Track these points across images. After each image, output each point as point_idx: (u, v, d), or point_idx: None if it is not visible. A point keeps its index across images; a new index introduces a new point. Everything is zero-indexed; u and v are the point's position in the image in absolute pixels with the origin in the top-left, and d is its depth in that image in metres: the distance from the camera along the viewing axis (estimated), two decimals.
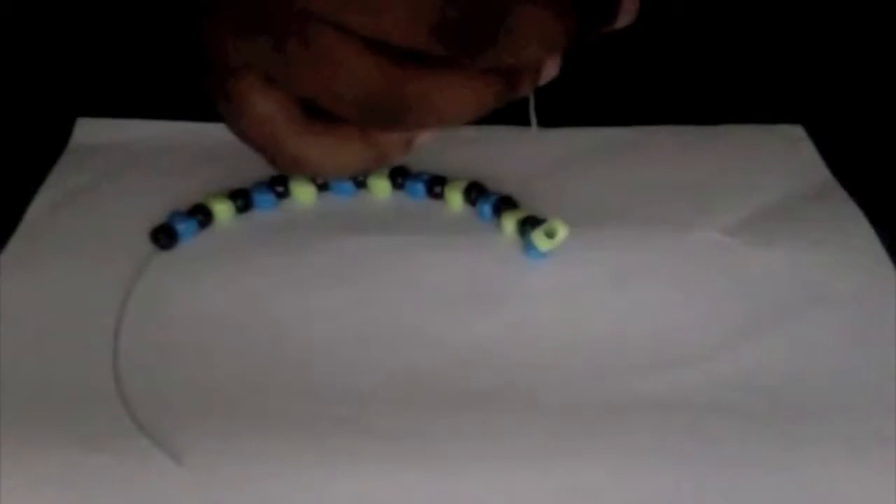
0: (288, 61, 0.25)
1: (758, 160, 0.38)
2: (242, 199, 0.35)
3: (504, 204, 0.35)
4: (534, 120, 0.37)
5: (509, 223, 0.34)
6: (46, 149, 0.38)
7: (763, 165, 0.38)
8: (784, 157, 0.38)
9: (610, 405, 0.28)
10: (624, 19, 0.27)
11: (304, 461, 0.27)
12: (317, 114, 0.26)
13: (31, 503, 0.26)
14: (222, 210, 0.35)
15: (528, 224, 0.34)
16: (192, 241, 0.34)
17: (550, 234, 0.32)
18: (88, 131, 0.38)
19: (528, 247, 0.33)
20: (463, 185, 0.35)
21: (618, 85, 0.40)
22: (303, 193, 0.36)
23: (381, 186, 0.36)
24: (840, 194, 0.36)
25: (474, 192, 0.35)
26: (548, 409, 0.28)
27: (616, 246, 0.34)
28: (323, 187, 0.36)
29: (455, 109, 0.25)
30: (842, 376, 0.29)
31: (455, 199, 0.35)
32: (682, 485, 0.26)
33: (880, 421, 0.28)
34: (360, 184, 0.36)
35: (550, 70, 0.27)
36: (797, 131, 0.39)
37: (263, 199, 0.35)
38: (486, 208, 0.35)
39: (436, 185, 0.36)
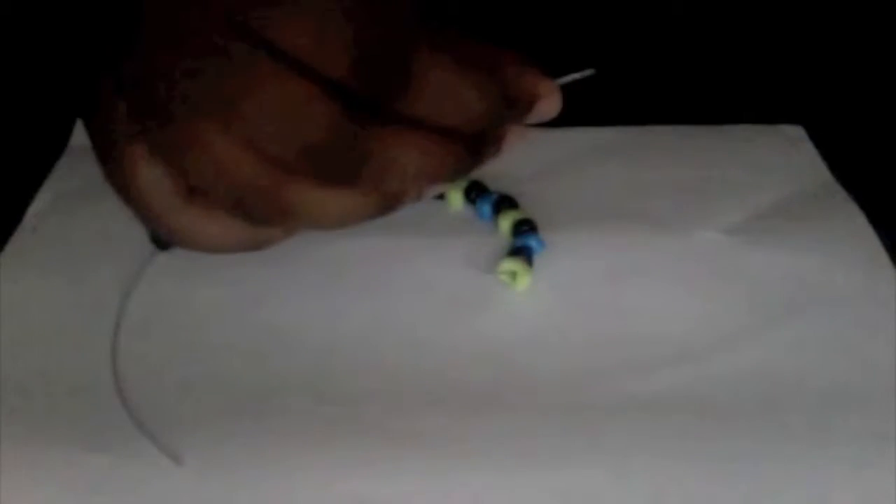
0: (171, 146, 0.24)
1: (758, 160, 0.38)
2: None
3: (503, 203, 0.35)
4: None
5: (505, 223, 0.34)
6: (46, 149, 0.38)
7: (763, 165, 0.38)
8: (784, 157, 0.38)
9: (610, 405, 0.28)
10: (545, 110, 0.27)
11: (304, 461, 0.27)
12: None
13: (31, 502, 0.26)
14: None
15: (523, 226, 0.34)
16: None
17: (513, 277, 0.32)
18: None
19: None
20: (463, 184, 0.35)
21: (618, 85, 0.40)
22: None
23: None
24: (840, 194, 0.36)
25: (474, 192, 0.35)
26: (548, 409, 0.28)
27: (616, 246, 0.34)
28: None
29: (334, 216, 0.25)
30: (842, 376, 0.29)
31: (455, 198, 0.35)
32: (682, 485, 0.26)
33: (880, 421, 0.28)
34: None
35: (546, 109, 0.27)
36: (797, 131, 0.39)
37: None
38: (486, 208, 0.35)
39: None
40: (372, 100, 0.23)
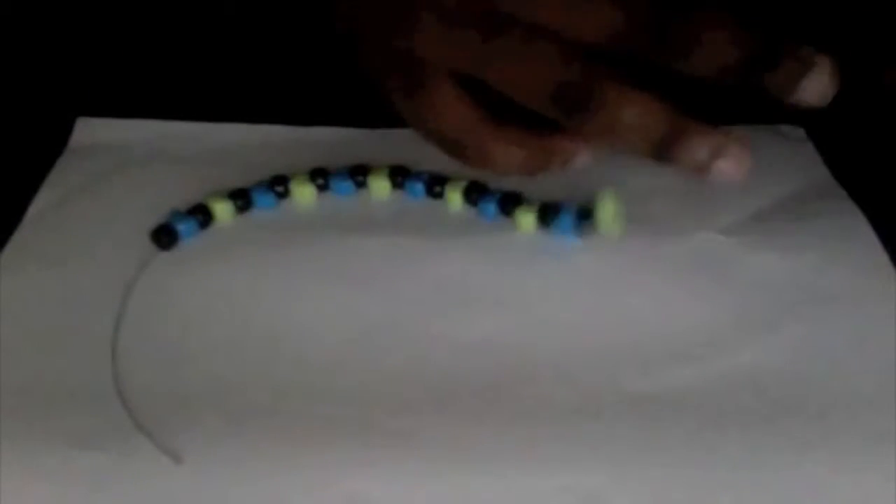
0: (492, 54, 0.29)
1: (758, 160, 0.38)
2: (242, 199, 0.35)
3: (511, 200, 0.35)
4: None
5: (526, 218, 0.34)
6: (46, 149, 0.37)
7: (763, 165, 0.37)
8: (784, 157, 0.38)
9: (609, 405, 0.28)
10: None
11: (303, 461, 0.27)
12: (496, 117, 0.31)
13: (30, 502, 0.26)
14: (222, 210, 0.35)
15: (549, 211, 0.34)
16: (192, 241, 0.34)
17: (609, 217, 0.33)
18: (88, 131, 0.38)
19: (560, 232, 0.34)
20: (463, 184, 0.35)
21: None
22: (303, 193, 0.36)
23: (381, 186, 0.36)
24: (840, 194, 0.36)
25: (475, 192, 0.35)
26: (547, 409, 0.28)
27: (616, 246, 0.34)
28: (323, 187, 0.36)
29: (632, 123, 0.28)
30: (842, 376, 0.29)
31: (455, 198, 0.35)
32: (681, 485, 0.26)
33: (880, 421, 0.28)
34: (360, 184, 0.36)
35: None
36: (797, 132, 0.39)
37: (263, 199, 0.35)
38: (491, 207, 0.35)
39: (436, 185, 0.36)
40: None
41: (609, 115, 0.28)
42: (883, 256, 0.33)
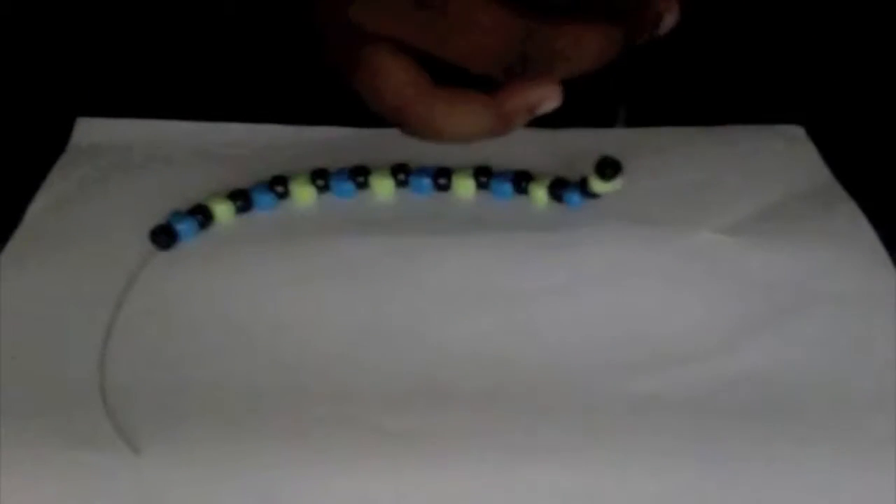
0: (428, 20, 0.28)
1: (758, 160, 0.38)
2: (242, 199, 0.35)
3: (522, 177, 0.35)
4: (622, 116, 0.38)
5: (539, 191, 0.35)
6: (46, 149, 0.37)
7: (763, 165, 0.38)
8: (784, 157, 0.38)
9: (609, 405, 0.28)
10: (668, 22, 0.31)
11: (303, 461, 0.27)
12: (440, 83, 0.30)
13: (30, 501, 0.26)
14: (222, 210, 0.35)
15: (557, 186, 0.35)
16: (192, 241, 0.34)
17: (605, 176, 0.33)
18: (88, 131, 0.38)
19: (571, 198, 0.35)
20: (470, 170, 0.36)
21: (617, 86, 0.40)
22: (303, 193, 0.36)
23: (383, 185, 0.36)
24: (840, 194, 0.36)
25: (484, 175, 0.35)
26: (547, 409, 0.28)
27: (616, 245, 0.34)
28: (323, 188, 0.36)
29: (581, 56, 0.28)
30: (842, 376, 0.29)
31: (465, 185, 0.35)
32: (681, 485, 0.26)
33: (881, 421, 0.28)
34: (361, 184, 0.36)
35: (669, 21, 0.31)
36: (797, 131, 0.39)
37: (263, 199, 0.35)
38: (506, 186, 0.35)
39: (441, 177, 0.36)
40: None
41: (554, 65, 0.29)
42: (883, 256, 0.33)
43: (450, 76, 0.30)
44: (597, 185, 0.33)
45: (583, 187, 0.34)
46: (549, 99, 0.31)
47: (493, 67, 0.29)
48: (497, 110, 0.31)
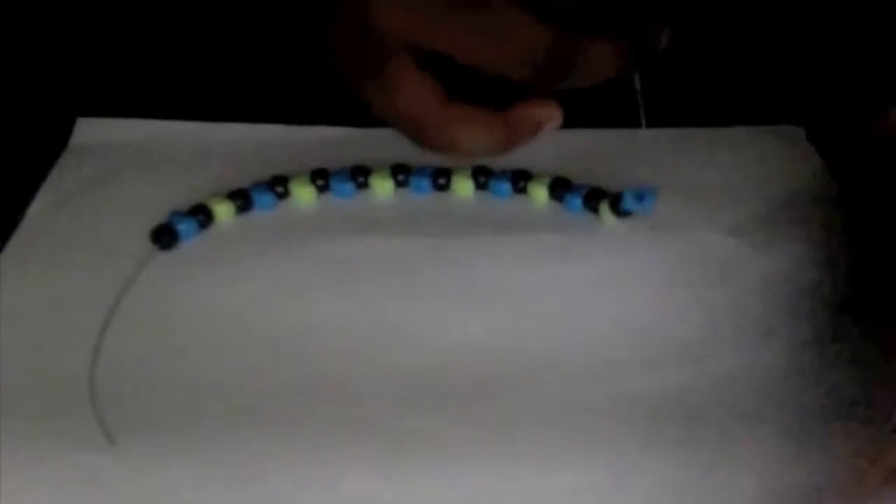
0: (460, 22, 0.28)
1: (758, 160, 0.38)
2: (242, 199, 0.35)
3: (521, 176, 0.35)
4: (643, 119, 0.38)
5: (538, 190, 0.35)
6: (46, 149, 0.37)
7: (763, 166, 0.38)
8: (784, 157, 0.38)
9: (609, 405, 0.28)
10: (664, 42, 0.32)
11: (303, 461, 0.27)
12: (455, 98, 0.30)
13: (29, 501, 0.26)
14: (222, 210, 0.35)
15: (558, 187, 0.35)
16: (192, 241, 0.34)
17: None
18: (88, 131, 0.38)
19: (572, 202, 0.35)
20: (468, 170, 0.35)
21: (617, 86, 0.40)
22: (303, 193, 0.36)
23: (383, 185, 0.36)
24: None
25: (483, 175, 0.35)
26: (547, 409, 0.28)
27: (616, 246, 0.34)
28: (323, 188, 0.36)
29: (595, 70, 0.29)
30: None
31: (464, 186, 0.35)
32: (680, 485, 0.26)
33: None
34: (361, 185, 0.36)
35: (664, 41, 0.32)
36: (797, 132, 0.39)
37: (263, 199, 0.35)
38: (505, 186, 0.35)
39: (441, 177, 0.36)
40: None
41: (580, 75, 0.29)
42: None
43: (457, 84, 0.31)
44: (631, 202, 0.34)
45: (614, 203, 0.34)
46: (554, 118, 0.32)
47: (519, 72, 0.29)
48: (507, 128, 0.31)
